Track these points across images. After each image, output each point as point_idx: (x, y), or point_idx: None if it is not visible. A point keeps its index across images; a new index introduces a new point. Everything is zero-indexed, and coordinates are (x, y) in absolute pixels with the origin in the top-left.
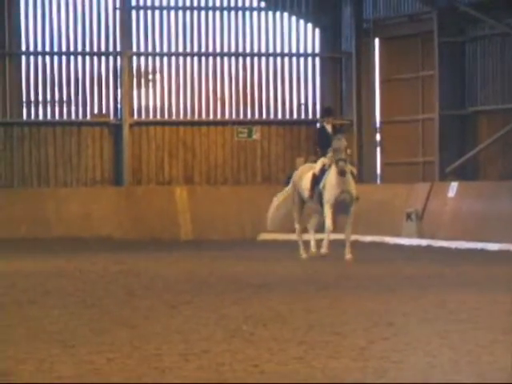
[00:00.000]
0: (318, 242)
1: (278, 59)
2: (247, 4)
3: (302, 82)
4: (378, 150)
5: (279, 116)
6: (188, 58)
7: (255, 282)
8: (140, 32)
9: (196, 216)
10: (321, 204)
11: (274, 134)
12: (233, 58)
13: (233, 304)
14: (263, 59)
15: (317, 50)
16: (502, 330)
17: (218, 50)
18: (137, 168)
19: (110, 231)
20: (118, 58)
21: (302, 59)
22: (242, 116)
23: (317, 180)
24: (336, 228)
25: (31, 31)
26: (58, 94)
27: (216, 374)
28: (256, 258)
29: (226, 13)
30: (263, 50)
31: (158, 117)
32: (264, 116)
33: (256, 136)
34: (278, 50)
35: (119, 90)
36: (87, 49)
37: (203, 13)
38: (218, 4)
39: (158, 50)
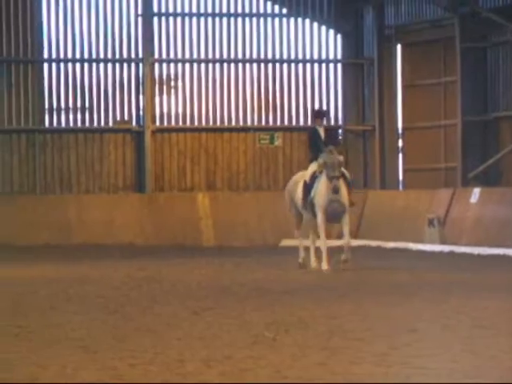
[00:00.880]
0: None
1: (300, 65)
2: (269, 10)
3: (324, 88)
4: (400, 155)
5: (301, 122)
6: (210, 65)
7: (277, 288)
8: (162, 39)
9: (218, 222)
10: (313, 213)
11: (295, 140)
12: (255, 65)
13: (255, 310)
14: (285, 65)
15: (339, 56)
16: None
17: (240, 56)
18: (159, 174)
19: (132, 238)
20: (141, 64)
21: (323, 65)
22: (263, 122)
23: (308, 188)
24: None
25: (54, 38)
26: (81, 100)
27: (238, 380)
28: (278, 265)
29: (247, 19)
30: (285, 56)
31: (180, 123)
32: (286, 122)
33: (278, 142)
34: (300, 57)
35: (141, 97)
36: (109, 56)
37: (225, 19)
38: (239, 10)
39: (180, 56)
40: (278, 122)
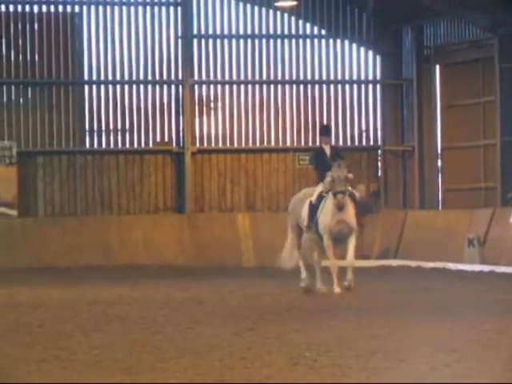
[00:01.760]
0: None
1: (339, 86)
2: (308, 32)
3: (363, 108)
4: (440, 176)
5: (340, 143)
6: (249, 86)
7: (317, 308)
8: (202, 60)
9: (258, 243)
10: (319, 235)
11: None
12: (294, 86)
13: (295, 331)
14: (324, 86)
15: (378, 77)
16: None
17: (280, 77)
18: (199, 195)
19: (172, 258)
20: (180, 86)
21: (362, 86)
22: (303, 143)
23: (313, 208)
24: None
25: (94, 60)
26: (121, 122)
27: None
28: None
29: (286, 41)
30: (324, 77)
31: (220, 144)
32: None
33: None
34: (339, 77)
35: (181, 118)
36: (150, 77)
37: (264, 41)
38: (279, 32)
39: (219, 78)
40: (318, 143)
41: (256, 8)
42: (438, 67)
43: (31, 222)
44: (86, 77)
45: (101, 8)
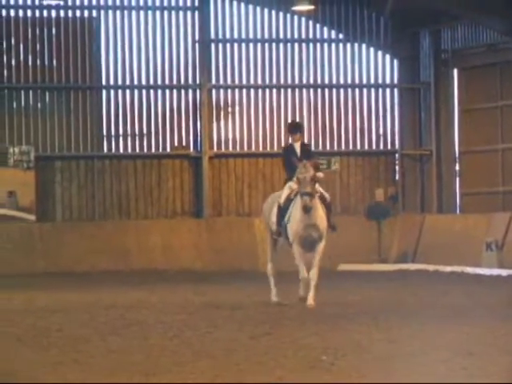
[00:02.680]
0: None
1: (357, 90)
2: (325, 36)
3: (381, 112)
4: (458, 179)
5: (358, 147)
6: (267, 90)
7: (335, 312)
8: (219, 65)
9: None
10: (289, 241)
11: (353, 164)
12: (312, 90)
13: (312, 334)
14: (342, 90)
15: (395, 81)
16: None
17: (297, 81)
18: (216, 200)
19: (190, 263)
20: (198, 90)
21: (380, 90)
22: (321, 147)
23: (282, 212)
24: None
25: (112, 65)
26: (139, 127)
27: None
28: (336, 288)
29: (304, 45)
30: (342, 81)
31: (238, 149)
32: (343, 147)
33: (335, 167)
34: (357, 81)
35: (199, 123)
36: (167, 82)
37: (282, 45)
38: (296, 36)
39: (237, 82)
40: (336, 147)
41: (273, 12)
42: (455, 71)
43: (49, 227)
44: (103, 81)
45: (118, 13)
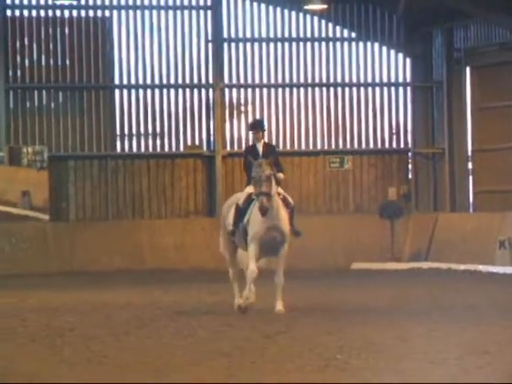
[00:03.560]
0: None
1: (369, 89)
2: (338, 34)
3: (394, 111)
4: (471, 178)
5: (371, 145)
6: (279, 89)
7: (349, 311)
8: (232, 64)
9: (289, 246)
10: (246, 243)
11: (365, 163)
12: (324, 89)
13: (327, 333)
14: (354, 89)
15: (408, 80)
16: None
17: (310, 80)
18: None
19: (203, 262)
20: (211, 90)
21: (393, 89)
22: (333, 146)
23: (240, 212)
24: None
25: (125, 64)
26: (152, 126)
27: None
28: (349, 287)
29: (316, 44)
30: (354, 80)
31: None
32: (356, 145)
33: (348, 165)
34: (369, 80)
35: (212, 122)
36: (180, 81)
37: (294, 44)
38: (309, 35)
39: (249, 81)
40: (348, 146)
41: (286, 11)
42: (468, 69)
43: (63, 227)
44: (116, 81)
45: (131, 12)
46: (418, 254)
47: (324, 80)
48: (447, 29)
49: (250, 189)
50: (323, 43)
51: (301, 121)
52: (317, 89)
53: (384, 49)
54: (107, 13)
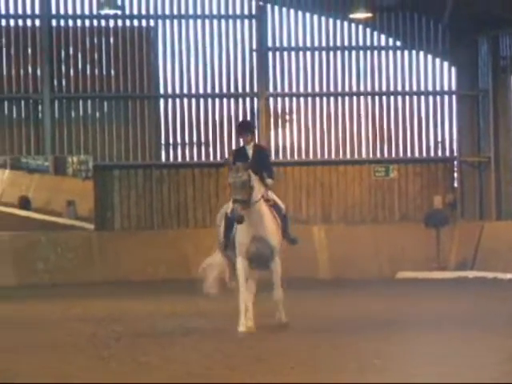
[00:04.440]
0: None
1: (415, 97)
2: (383, 43)
3: (439, 119)
4: None
5: (416, 154)
6: (324, 98)
7: (392, 319)
8: (276, 73)
9: (334, 255)
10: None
11: (411, 172)
12: (369, 97)
13: (367, 340)
14: (399, 98)
15: (453, 88)
16: None
17: (355, 89)
18: None
19: None
20: (255, 99)
21: (438, 97)
22: (378, 155)
23: (229, 222)
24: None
25: (169, 74)
26: (196, 135)
27: None
28: (394, 296)
29: (361, 52)
30: (399, 88)
31: (296, 157)
32: (401, 154)
33: (393, 174)
34: (415, 89)
35: (256, 131)
36: (224, 90)
37: (339, 53)
38: (354, 44)
39: (294, 90)
40: (393, 154)
41: (331, 20)
42: None
43: (108, 236)
44: (161, 90)
45: (175, 22)
46: (464, 263)
47: (369, 89)
48: (493, 37)
49: None
50: (368, 52)
51: (346, 130)
52: (362, 98)
53: (429, 57)
54: (152, 22)
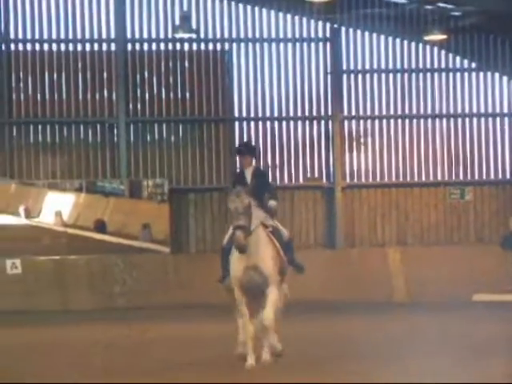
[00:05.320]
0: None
1: (490, 119)
2: (458, 65)
3: None
4: None
5: (492, 176)
6: (399, 121)
7: (463, 344)
8: (351, 95)
9: (409, 278)
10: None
11: (486, 194)
12: (444, 119)
13: (425, 359)
14: (475, 119)
15: None
16: None
17: (430, 111)
18: (349, 230)
19: (323, 293)
20: (330, 121)
21: None
22: (454, 177)
23: (224, 253)
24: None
25: (244, 97)
26: (271, 158)
27: None
28: (470, 319)
29: (436, 74)
30: (475, 110)
31: (370, 179)
32: (476, 176)
33: (469, 197)
34: (490, 110)
35: (331, 154)
36: (299, 113)
37: (414, 75)
38: (428, 66)
39: (369, 113)
40: (469, 177)
41: (405, 42)
42: None
43: (183, 259)
44: (236, 113)
45: (250, 45)
46: None
47: (444, 111)
48: None
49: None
50: (443, 74)
51: (421, 152)
52: (437, 120)
53: (505, 79)
54: (226, 46)
